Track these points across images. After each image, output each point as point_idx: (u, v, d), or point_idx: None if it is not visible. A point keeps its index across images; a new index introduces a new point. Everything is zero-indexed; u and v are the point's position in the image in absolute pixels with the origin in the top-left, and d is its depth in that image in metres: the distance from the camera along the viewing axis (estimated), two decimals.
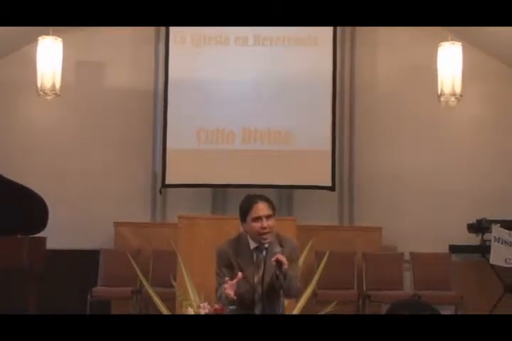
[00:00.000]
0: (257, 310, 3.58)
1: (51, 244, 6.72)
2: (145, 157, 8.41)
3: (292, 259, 3.57)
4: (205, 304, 3.95)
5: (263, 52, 8.14)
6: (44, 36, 7.47)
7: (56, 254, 7.08)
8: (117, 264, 7.38)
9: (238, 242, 3.68)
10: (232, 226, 4.44)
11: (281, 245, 3.60)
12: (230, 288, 3.39)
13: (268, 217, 3.58)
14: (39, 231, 6.55)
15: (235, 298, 3.39)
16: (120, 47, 8.51)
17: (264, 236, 3.55)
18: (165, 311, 4.12)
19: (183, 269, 4.28)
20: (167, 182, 8.07)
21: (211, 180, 8.04)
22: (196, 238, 4.47)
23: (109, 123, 8.46)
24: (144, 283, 4.57)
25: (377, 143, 8.39)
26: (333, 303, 4.78)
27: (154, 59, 8.47)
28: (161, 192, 8.26)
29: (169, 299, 4.40)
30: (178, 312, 4.21)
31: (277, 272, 3.43)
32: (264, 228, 3.55)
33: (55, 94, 7.48)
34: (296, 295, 3.68)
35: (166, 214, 8.38)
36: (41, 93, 7.46)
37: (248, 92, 8.08)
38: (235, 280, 3.43)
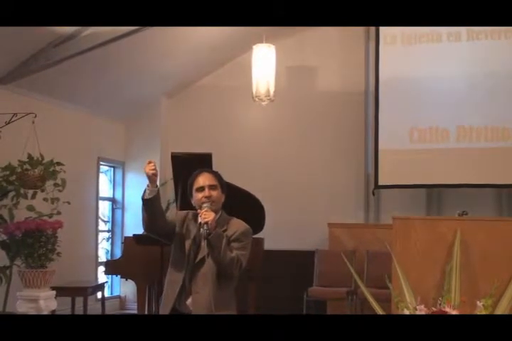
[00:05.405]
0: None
1: (268, 245, 6.93)
2: (357, 158, 8.44)
3: (236, 239, 3.50)
4: (422, 306, 3.88)
5: (477, 46, 7.81)
6: (258, 44, 7.74)
7: (273, 254, 7.31)
8: (332, 265, 7.45)
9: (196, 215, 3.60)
10: (449, 228, 4.29)
11: (227, 226, 3.54)
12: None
13: (211, 187, 3.54)
14: (257, 232, 6.77)
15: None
16: (330, 50, 8.62)
17: (205, 204, 3.47)
18: (380, 312, 4.08)
19: (398, 271, 4.21)
20: (380, 183, 8.02)
21: (425, 180, 7.86)
22: (411, 239, 4.37)
23: (321, 126, 8.60)
24: (359, 283, 4.56)
25: None
26: None
27: (364, 60, 8.48)
28: (373, 194, 8.23)
29: (384, 300, 4.35)
30: (393, 313, 4.16)
31: (204, 227, 3.38)
32: (207, 197, 3.50)
33: (270, 99, 7.70)
34: (226, 265, 3.41)
35: (379, 215, 8.33)
36: (256, 99, 7.71)
37: (462, 89, 7.81)
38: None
